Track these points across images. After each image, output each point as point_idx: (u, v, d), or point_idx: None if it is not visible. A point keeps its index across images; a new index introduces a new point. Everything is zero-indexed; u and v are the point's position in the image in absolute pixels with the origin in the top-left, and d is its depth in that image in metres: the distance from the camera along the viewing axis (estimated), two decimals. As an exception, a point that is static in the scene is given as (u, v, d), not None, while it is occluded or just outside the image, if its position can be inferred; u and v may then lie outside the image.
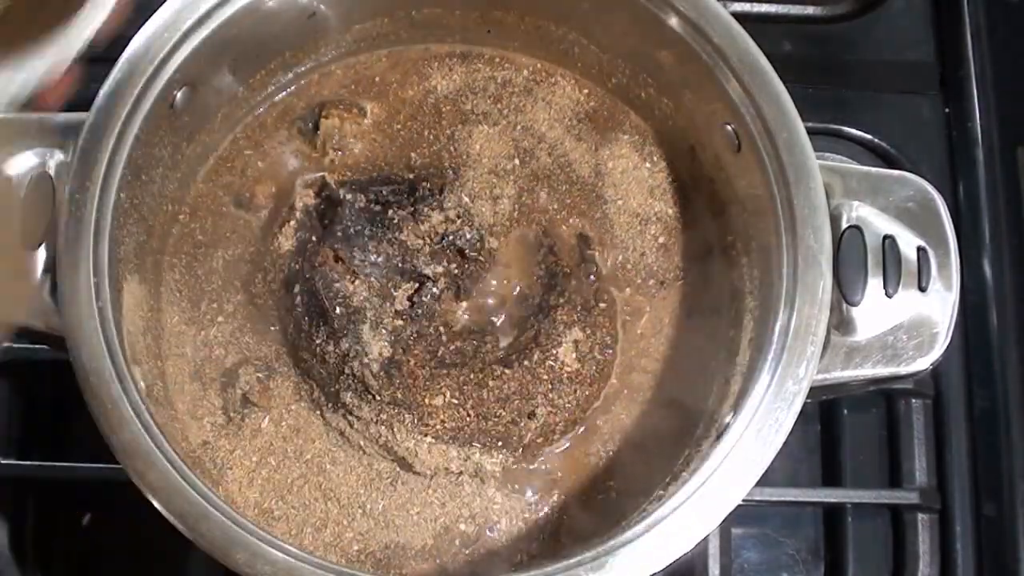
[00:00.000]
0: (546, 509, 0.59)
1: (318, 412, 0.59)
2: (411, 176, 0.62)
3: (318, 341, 0.58)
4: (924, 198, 0.56)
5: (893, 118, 0.72)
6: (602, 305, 0.61)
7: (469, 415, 0.57)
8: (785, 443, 0.66)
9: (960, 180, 0.70)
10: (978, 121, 0.70)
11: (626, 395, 0.60)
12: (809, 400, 0.52)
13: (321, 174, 0.63)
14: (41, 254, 0.54)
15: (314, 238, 0.61)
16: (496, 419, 0.57)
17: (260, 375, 0.59)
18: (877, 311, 0.54)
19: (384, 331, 0.58)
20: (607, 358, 0.60)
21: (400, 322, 0.58)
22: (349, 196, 0.60)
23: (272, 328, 0.61)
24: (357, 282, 0.59)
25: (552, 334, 0.59)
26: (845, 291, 0.54)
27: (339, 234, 0.59)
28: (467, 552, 0.57)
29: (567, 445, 0.60)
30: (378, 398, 0.56)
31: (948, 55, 0.73)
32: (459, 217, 0.60)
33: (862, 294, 0.54)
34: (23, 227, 0.54)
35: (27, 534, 0.65)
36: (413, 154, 0.64)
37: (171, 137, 0.59)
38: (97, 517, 0.66)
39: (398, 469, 0.59)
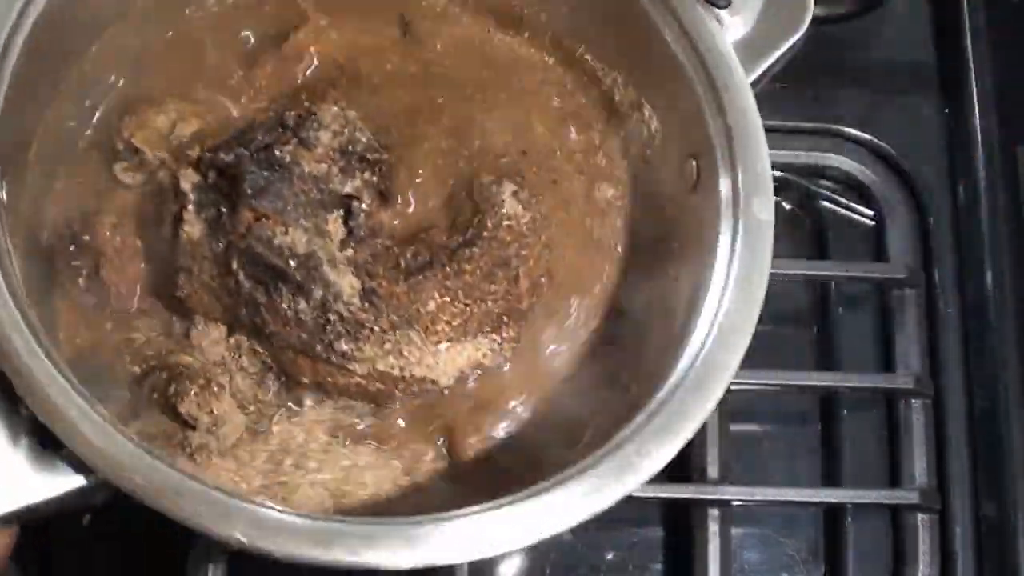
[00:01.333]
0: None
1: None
2: (271, 114, 0.60)
3: (285, 305, 0.54)
4: None
5: (893, 118, 0.72)
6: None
7: (467, 304, 0.56)
8: (785, 443, 0.67)
9: (960, 180, 0.70)
10: (978, 121, 0.70)
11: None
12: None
13: (189, 150, 0.59)
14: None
15: (223, 209, 0.57)
16: (493, 295, 0.57)
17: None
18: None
19: (342, 265, 0.55)
20: (548, 194, 0.60)
21: (350, 251, 0.56)
22: (235, 153, 0.56)
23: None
24: (291, 230, 0.55)
25: (488, 196, 0.59)
26: None
27: (249, 192, 0.56)
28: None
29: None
30: (375, 330, 0.54)
31: (948, 55, 0.73)
32: (344, 127, 0.58)
33: None
34: None
35: (27, 534, 0.65)
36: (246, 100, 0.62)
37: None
38: (97, 517, 0.66)
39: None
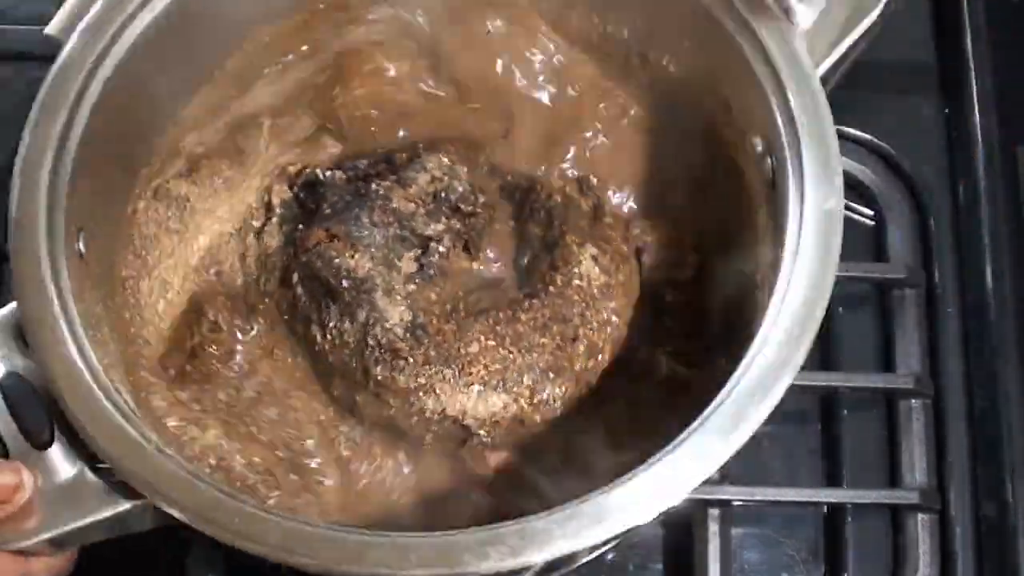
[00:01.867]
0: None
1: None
2: (381, 150, 0.60)
3: (331, 323, 0.55)
4: None
5: (893, 118, 0.72)
6: (607, 220, 0.60)
7: (511, 352, 0.55)
8: (785, 443, 0.67)
9: (960, 180, 0.70)
10: (978, 121, 0.70)
11: None
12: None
13: (291, 166, 0.61)
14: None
15: (300, 226, 0.58)
16: (540, 348, 0.55)
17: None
18: None
19: (398, 297, 0.56)
20: (631, 266, 0.59)
21: (413, 286, 0.56)
22: (328, 174, 0.58)
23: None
24: (358, 255, 0.56)
25: (567, 256, 0.57)
26: None
27: (328, 212, 0.57)
28: None
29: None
30: (411, 361, 0.54)
31: (948, 55, 0.73)
32: (445, 175, 0.59)
33: None
34: None
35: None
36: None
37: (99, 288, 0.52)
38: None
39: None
